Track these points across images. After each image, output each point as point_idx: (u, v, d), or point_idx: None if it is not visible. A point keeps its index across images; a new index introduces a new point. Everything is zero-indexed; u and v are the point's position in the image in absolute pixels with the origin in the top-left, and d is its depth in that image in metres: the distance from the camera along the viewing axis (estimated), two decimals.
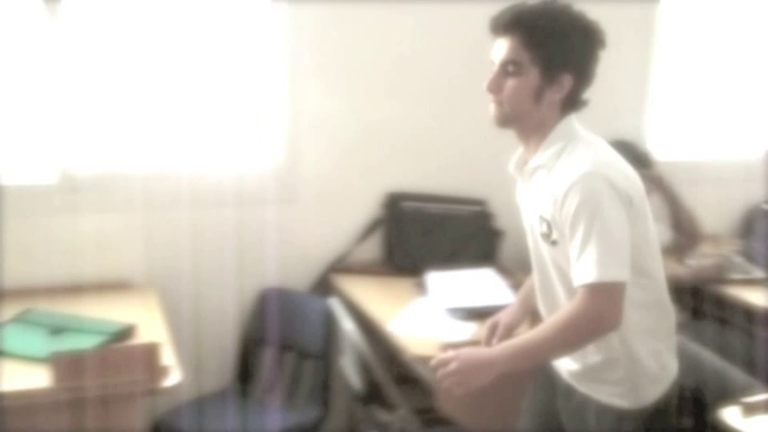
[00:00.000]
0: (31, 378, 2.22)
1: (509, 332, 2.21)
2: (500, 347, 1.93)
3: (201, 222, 3.07)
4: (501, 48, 1.93)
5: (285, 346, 3.08)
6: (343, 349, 2.75)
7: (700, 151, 3.91)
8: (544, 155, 1.93)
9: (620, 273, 1.80)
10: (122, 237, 3.02)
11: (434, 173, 3.35)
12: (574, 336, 1.84)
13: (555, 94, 1.91)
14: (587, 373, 2.00)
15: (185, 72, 3.05)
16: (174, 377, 2.25)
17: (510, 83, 1.91)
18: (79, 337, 2.47)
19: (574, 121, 1.96)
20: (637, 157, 3.38)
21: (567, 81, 1.91)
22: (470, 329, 2.61)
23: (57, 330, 2.52)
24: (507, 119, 1.95)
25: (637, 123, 3.66)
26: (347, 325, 2.64)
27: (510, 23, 1.91)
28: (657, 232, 1.98)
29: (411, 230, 3.26)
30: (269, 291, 3.16)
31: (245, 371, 3.13)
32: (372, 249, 3.32)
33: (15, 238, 2.87)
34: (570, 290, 1.89)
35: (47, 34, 2.85)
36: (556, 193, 1.86)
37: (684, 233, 3.13)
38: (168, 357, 2.31)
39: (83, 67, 2.92)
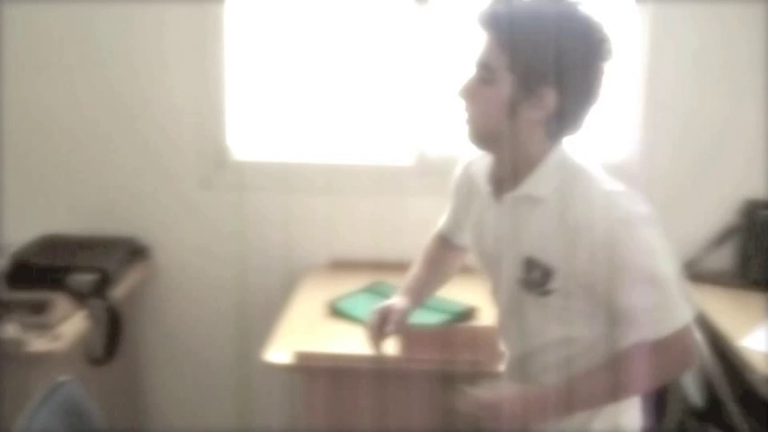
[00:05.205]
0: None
1: (404, 318, 2.02)
2: (544, 390, 1.69)
3: None
4: (479, 47, 1.61)
5: None
6: None
7: None
8: (539, 186, 1.63)
9: (685, 313, 1.58)
10: None
11: None
12: (652, 383, 1.66)
13: (533, 111, 1.59)
14: None
15: None
16: None
17: (481, 91, 1.61)
18: (424, 313, 2.56)
19: (567, 151, 1.64)
20: None
21: (548, 97, 1.57)
22: None
23: None
24: (480, 136, 1.65)
25: None
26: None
27: (487, 18, 1.59)
28: None
29: None
30: None
31: None
32: (724, 259, 3.09)
33: (373, 214, 3.08)
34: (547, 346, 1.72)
35: (414, 24, 3.00)
36: (579, 240, 1.57)
37: None
38: None
39: (444, 53, 3.02)
